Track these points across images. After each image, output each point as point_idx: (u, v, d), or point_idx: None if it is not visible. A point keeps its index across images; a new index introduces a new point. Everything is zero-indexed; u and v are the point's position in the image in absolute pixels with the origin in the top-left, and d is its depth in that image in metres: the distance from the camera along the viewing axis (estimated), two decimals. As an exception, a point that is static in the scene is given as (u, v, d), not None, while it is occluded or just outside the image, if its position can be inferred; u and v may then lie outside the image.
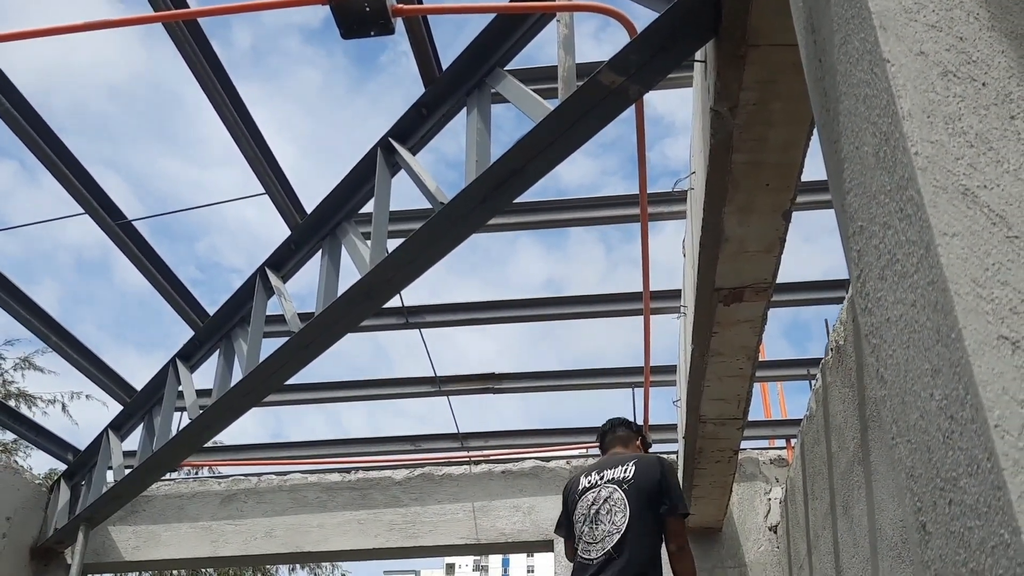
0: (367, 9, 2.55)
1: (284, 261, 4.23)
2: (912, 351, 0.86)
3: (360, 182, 3.81)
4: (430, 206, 3.32)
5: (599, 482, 3.60)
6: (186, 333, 4.92)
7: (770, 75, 2.49)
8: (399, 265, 3.46)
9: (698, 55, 2.78)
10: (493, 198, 3.13)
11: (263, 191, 4.09)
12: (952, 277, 0.76)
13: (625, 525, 3.41)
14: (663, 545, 3.45)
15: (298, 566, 14.14)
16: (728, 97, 2.57)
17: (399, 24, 2.87)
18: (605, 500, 3.51)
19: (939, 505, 0.81)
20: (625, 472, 3.55)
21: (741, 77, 2.49)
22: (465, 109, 3.36)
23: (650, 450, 4.09)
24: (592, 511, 3.52)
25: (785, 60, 2.41)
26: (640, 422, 4.52)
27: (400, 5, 2.74)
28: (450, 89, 3.41)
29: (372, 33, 2.62)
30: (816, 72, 1.21)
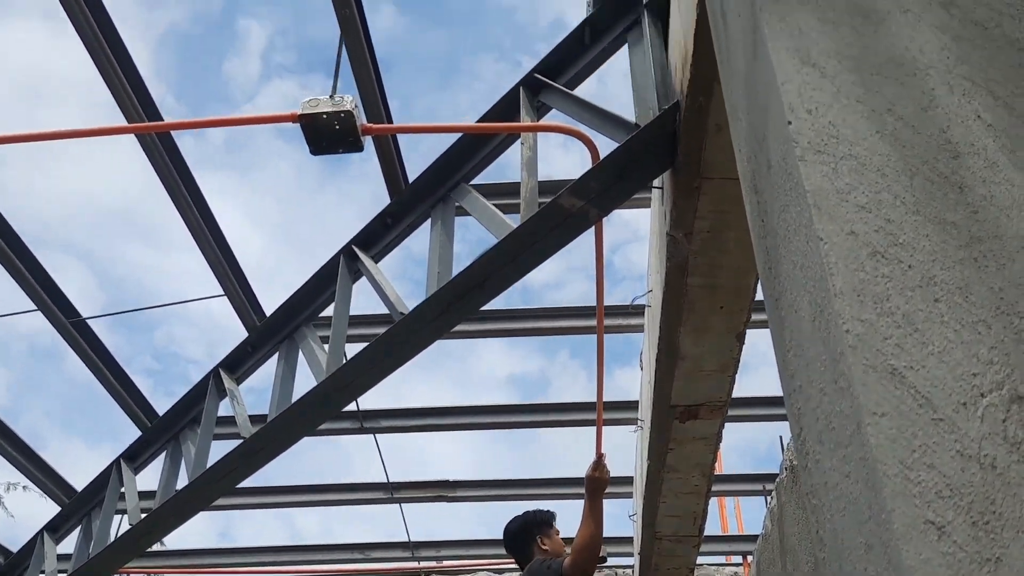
0: (337, 128, 2.61)
1: (239, 363, 4.18)
2: (848, 521, 0.87)
3: (321, 287, 3.81)
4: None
5: None
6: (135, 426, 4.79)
7: (723, 206, 2.58)
8: (356, 373, 3.43)
9: (656, 182, 2.88)
10: (453, 310, 3.15)
11: (222, 292, 4.08)
12: (881, 457, 0.78)
13: None
14: None
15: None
16: (683, 224, 2.66)
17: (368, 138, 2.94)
18: None
19: None
20: None
21: (696, 206, 2.58)
22: (429, 221, 3.42)
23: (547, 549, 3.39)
24: None
25: (738, 193, 2.48)
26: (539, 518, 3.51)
27: (369, 124, 2.82)
28: (415, 201, 3.47)
29: (341, 150, 2.68)
30: (760, 230, 1.26)
